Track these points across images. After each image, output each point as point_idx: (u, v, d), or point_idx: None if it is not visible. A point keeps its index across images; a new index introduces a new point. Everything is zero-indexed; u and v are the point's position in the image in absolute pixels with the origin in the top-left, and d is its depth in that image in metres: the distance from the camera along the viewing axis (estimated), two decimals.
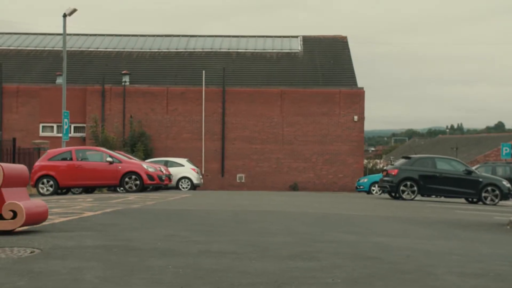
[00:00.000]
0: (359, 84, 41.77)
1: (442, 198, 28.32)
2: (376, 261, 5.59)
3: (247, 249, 6.18)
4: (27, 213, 7.04)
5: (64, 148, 24.02)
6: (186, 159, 33.09)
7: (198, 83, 40.51)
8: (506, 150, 35.09)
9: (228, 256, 5.66)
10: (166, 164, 29.81)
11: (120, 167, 22.52)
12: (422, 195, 24.37)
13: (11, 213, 6.96)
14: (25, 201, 7.26)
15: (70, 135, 33.90)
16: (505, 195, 23.39)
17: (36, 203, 7.67)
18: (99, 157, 22.97)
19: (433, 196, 26.98)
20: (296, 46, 45.14)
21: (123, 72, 40.48)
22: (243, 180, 39.77)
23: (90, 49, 44.76)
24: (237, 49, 44.82)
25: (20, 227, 7.08)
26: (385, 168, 28.08)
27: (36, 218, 7.44)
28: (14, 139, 28.31)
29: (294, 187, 39.18)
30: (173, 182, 28.93)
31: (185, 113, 39.99)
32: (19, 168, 7.66)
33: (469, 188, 23.29)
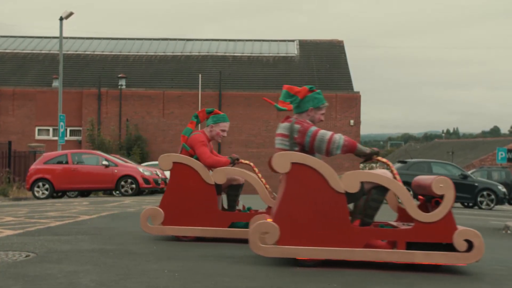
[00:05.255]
0: (356, 88, 41.88)
1: None
2: (373, 265, 5.59)
3: (245, 252, 6.16)
4: None
5: (60, 152, 23.96)
6: None
7: (194, 86, 40.52)
8: (501, 154, 35.17)
9: (226, 260, 5.64)
10: None
11: (116, 171, 22.49)
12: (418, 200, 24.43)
13: (465, 244, 5.41)
14: None
15: (66, 138, 33.88)
16: (500, 200, 23.46)
17: None
18: (95, 161, 22.93)
19: None
20: (293, 50, 45.18)
21: (119, 75, 40.45)
22: None
23: (86, 53, 44.76)
24: (234, 53, 44.86)
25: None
26: None
27: None
28: (9, 142, 28.25)
29: None
30: None
31: (181, 117, 39.99)
32: None
33: (464, 193, 23.34)
